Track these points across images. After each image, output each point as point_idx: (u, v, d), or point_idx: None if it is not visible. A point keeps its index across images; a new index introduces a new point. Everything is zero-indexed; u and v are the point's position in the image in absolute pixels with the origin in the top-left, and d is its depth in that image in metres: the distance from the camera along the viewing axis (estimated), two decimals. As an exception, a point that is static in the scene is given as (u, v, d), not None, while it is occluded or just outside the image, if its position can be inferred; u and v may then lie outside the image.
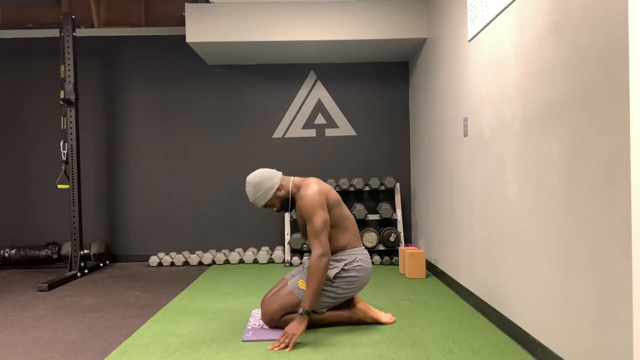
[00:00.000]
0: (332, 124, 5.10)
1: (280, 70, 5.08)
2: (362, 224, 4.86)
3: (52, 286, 3.82)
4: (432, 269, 4.11)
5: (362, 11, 4.30)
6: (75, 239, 4.33)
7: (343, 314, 2.68)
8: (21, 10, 5.07)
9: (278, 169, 2.99)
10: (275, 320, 2.58)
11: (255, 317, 2.86)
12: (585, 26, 1.77)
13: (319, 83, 5.09)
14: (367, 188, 4.88)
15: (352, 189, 4.83)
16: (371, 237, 4.68)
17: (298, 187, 2.64)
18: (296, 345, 2.36)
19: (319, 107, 5.09)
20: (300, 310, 2.40)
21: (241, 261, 4.87)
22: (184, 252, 4.94)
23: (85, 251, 4.57)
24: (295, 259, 4.69)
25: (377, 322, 2.71)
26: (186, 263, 4.89)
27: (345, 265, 2.59)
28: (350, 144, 5.10)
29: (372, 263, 4.54)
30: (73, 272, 4.27)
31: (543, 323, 2.14)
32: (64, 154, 4.35)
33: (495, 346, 2.34)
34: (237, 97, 5.08)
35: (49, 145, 5.00)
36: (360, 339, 2.47)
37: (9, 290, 3.82)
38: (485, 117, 2.82)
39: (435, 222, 4.04)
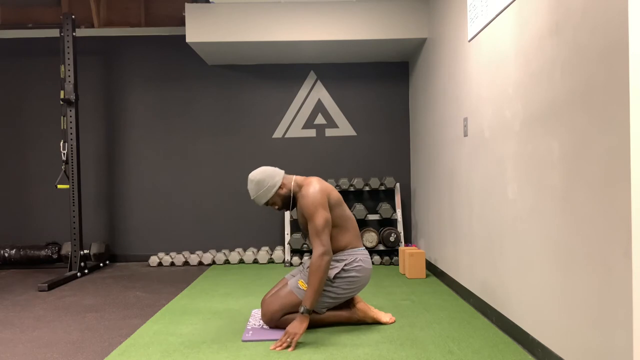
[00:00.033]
0: (332, 124, 5.10)
1: (280, 70, 5.08)
2: (362, 224, 4.86)
3: (52, 286, 3.82)
4: (432, 269, 4.11)
5: (362, 11, 4.30)
6: (75, 239, 4.33)
7: (343, 314, 2.68)
8: (21, 10, 5.07)
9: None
10: (275, 320, 2.58)
11: (255, 317, 2.86)
12: (585, 26, 1.77)
13: (319, 83, 5.09)
14: (367, 188, 4.88)
15: (352, 189, 4.83)
16: (371, 237, 4.68)
17: (300, 186, 2.64)
18: (297, 345, 2.36)
19: (319, 107, 5.09)
20: (302, 310, 2.40)
21: (241, 261, 4.87)
22: (184, 252, 4.94)
23: (85, 251, 4.57)
24: (295, 259, 4.69)
25: (377, 322, 2.71)
26: (186, 263, 4.89)
27: (345, 265, 2.59)
28: (350, 144, 5.10)
29: (372, 263, 4.54)
30: (73, 272, 4.27)
31: (543, 323, 2.14)
32: (64, 154, 4.35)
33: (495, 346, 2.34)
34: (237, 97, 5.08)
35: (49, 145, 5.00)
36: (360, 339, 2.47)
37: (9, 290, 3.82)
38: (485, 117, 2.82)
39: (435, 222, 4.04)
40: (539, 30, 2.13)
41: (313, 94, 5.09)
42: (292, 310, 2.57)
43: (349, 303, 2.72)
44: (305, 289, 2.55)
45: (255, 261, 4.85)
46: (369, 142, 5.10)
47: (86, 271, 4.43)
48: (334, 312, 2.66)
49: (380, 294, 3.41)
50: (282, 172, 2.66)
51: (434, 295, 3.38)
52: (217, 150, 5.07)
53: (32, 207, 5.05)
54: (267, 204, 2.65)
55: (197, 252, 4.91)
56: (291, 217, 4.82)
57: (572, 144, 1.87)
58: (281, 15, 4.29)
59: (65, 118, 4.35)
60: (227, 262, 4.87)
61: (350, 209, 4.81)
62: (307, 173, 4.59)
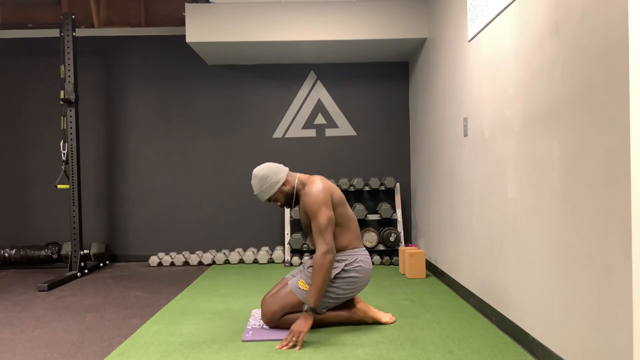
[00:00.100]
0: (332, 124, 5.10)
1: (280, 70, 5.08)
2: (362, 224, 4.86)
3: (52, 286, 3.82)
4: (432, 269, 4.11)
5: (362, 11, 4.30)
6: (75, 239, 4.33)
7: (343, 314, 2.68)
8: (21, 10, 5.07)
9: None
10: (275, 320, 2.59)
11: (255, 317, 2.86)
12: (585, 26, 1.77)
13: (319, 83, 5.09)
14: (367, 188, 4.88)
15: (352, 189, 4.83)
16: (371, 237, 4.68)
17: (303, 184, 2.64)
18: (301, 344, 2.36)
19: (319, 107, 5.09)
20: (306, 308, 2.41)
21: (241, 261, 4.87)
22: (184, 252, 4.94)
23: (85, 251, 4.57)
24: (295, 259, 4.69)
25: (377, 322, 2.71)
26: (186, 263, 4.89)
27: (345, 265, 2.59)
28: (350, 144, 5.10)
29: (372, 263, 4.54)
30: (73, 272, 4.27)
31: (543, 323, 2.14)
32: (64, 154, 4.35)
33: (495, 346, 2.34)
34: (237, 97, 5.08)
35: (49, 145, 5.00)
36: (360, 339, 2.47)
37: (9, 290, 3.82)
38: (485, 117, 2.82)
39: (435, 222, 4.04)
40: (539, 30, 2.13)
41: (313, 94, 5.09)
42: (292, 310, 2.57)
43: (349, 303, 2.72)
44: (305, 289, 2.55)
45: (255, 261, 4.85)
46: (369, 142, 5.10)
47: (86, 271, 4.43)
48: (334, 312, 2.66)
49: (380, 294, 3.41)
50: (287, 169, 2.67)
51: (434, 295, 3.38)
52: (217, 150, 5.07)
53: (32, 207, 5.05)
54: (269, 200, 2.65)
55: (197, 252, 4.91)
56: (291, 217, 4.82)
57: (572, 144, 1.87)
58: (281, 15, 4.29)
59: (65, 118, 4.35)
60: (227, 262, 4.87)
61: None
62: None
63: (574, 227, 1.86)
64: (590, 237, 1.75)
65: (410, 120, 5.04)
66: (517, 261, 2.41)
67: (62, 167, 4.35)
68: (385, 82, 5.10)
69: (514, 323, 2.44)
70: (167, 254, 4.90)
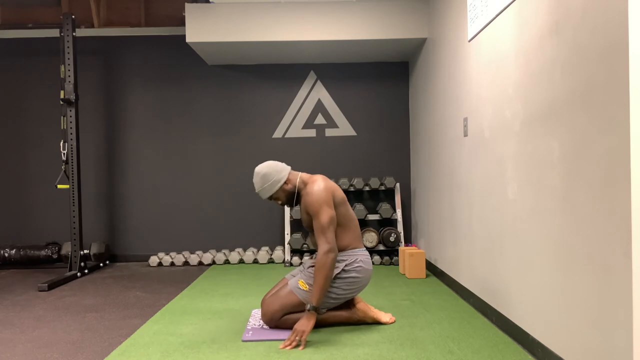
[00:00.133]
0: (332, 124, 5.10)
1: (280, 70, 5.08)
2: (362, 224, 4.86)
3: (52, 286, 3.82)
4: (432, 269, 4.11)
5: (362, 11, 4.30)
6: (75, 239, 4.33)
7: (343, 314, 2.68)
8: (21, 10, 5.07)
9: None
10: (275, 320, 2.59)
11: (255, 317, 2.86)
12: (585, 26, 1.77)
13: (319, 83, 5.09)
14: (367, 188, 4.88)
15: (352, 189, 4.83)
16: (371, 237, 4.68)
17: (305, 183, 2.65)
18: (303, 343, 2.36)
19: (319, 107, 5.09)
20: (308, 307, 2.41)
21: (241, 261, 4.87)
22: (184, 252, 4.94)
23: (85, 251, 4.57)
24: (295, 259, 4.69)
25: (377, 322, 2.71)
26: (186, 263, 4.89)
27: (345, 266, 2.59)
28: (350, 144, 5.10)
29: (372, 263, 4.54)
30: (73, 272, 4.27)
31: (543, 323, 2.14)
32: (64, 154, 4.35)
33: (495, 346, 2.34)
34: (237, 97, 5.08)
35: (49, 145, 5.00)
36: (360, 339, 2.47)
37: (9, 290, 3.82)
38: (485, 117, 2.82)
39: (435, 222, 4.04)
40: (539, 30, 2.13)
41: (313, 94, 5.09)
42: (292, 310, 2.57)
43: (349, 303, 2.72)
44: (305, 289, 2.55)
45: (255, 261, 4.85)
46: (369, 142, 5.10)
47: (86, 271, 4.43)
48: (334, 312, 2.66)
49: (380, 294, 3.41)
50: (289, 168, 2.68)
51: (434, 295, 3.38)
52: (217, 150, 5.07)
53: (32, 207, 5.05)
54: (270, 198, 2.66)
55: (197, 252, 4.91)
56: (291, 217, 4.82)
57: (572, 144, 1.87)
58: (281, 15, 4.29)
59: (65, 118, 4.35)
60: (227, 262, 4.87)
61: (350, 209, 4.80)
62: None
63: (574, 227, 1.86)
64: (590, 237, 1.75)
65: (410, 120, 5.04)
66: (517, 261, 2.41)
67: (62, 167, 4.35)
68: (385, 82, 5.10)
69: (514, 323, 2.44)
70: (167, 254, 4.90)
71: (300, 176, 2.68)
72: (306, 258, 4.64)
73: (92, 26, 4.98)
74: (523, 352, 2.26)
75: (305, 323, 2.39)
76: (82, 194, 4.65)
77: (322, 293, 2.42)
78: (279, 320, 2.58)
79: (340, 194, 2.66)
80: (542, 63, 2.11)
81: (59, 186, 4.32)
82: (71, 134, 4.34)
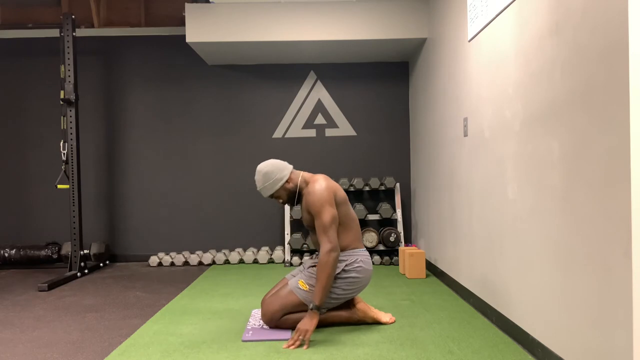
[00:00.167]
0: (332, 124, 5.10)
1: (280, 70, 5.08)
2: (362, 224, 4.86)
3: (52, 286, 3.82)
4: (432, 269, 4.11)
5: (362, 11, 4.30)
6: (75, 239, 4.33)
7: (343, 314, 2.68)
8: (21, 10, 5.07)
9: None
10: (276, 320, 2.59)
11: (255, 317, 2.86)
12: (585, 26, 1.77)
13: (319, 83, 5.09)
14: (367, 188, 4.88)
15: (352, 189, 4.83)
16: (371, 237, 4.68)
17: (306, 183, 2.66)
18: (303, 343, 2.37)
19: (319, 107, 5.09)
20: (311, 306, 2.42)
21: (241, 261, 4.87)
22: (184, 252, 4.94)
23: (85, 251, 4.57)
24: (295, 259, 4.68)
25: (377, 322, 2.71)
26: (186, 263, 4.89)
27: (346, 266, 2.59)
28: (350, 144, 5.10)
29: (372, 263, 4.54)
30: (73, 272, 4.27)
31: (543, 323, 2.14)
32: (64, 154, 4.35)
33: (495, 346, 2.34)
34: (237, 97, 5.08)
35: (49, 145, 5.00)
36: (360, 339, 2.47)
37: (9, 290, 3.82)
38: (485, 117, 2.82)
39: (435, 222, 4.04)
40: (539, 30, 2.13)
41: (313, 94, 5.09)
42: (292, 310, 2.57)
43: (349, 303, 2.72)
44: (305, 289, 2.56)
45: (255, 261, 4.85)
46: (369, 142, 5.10)
47: (86, 271, 4.43)
48: (334, 312, 2.66)
49: (380, 294, 3.41)
50: (291, 166, 2.69)
51: (434, 295, 3.38)
52: (217, 150, 5.07)
53: (32, 207, 5.05)
54: (271, 196, 2.67)
55: (197, 252, 4.91)
56: (291, 217, 4.82)
57: (572, 144, 1.87)
58: (281, 15, 4.29)
59: (65, 118, 4.35)
60: (227, 262, 4.87)
61: (350, 209, 4.80)
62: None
63: (574, 227, 1.86)
64: (590, 237, 1.75)
65: (410, 120, 5.04)
66: (517, 261, 2.41)
67: (62, 167, 4.35)
68: (385, 82, 5.10)
69: (514, 323, 2.44)
70: (167, 254, 4.90)
71: (302, 175, 2.68)
72: (306, 258, 4.64)
73: (92, 26, 4.98)
74: (523, 352, 2.26)
75: (308, 322, 2.39)
76: (82, 194, 4.65)
77: (324, 292, 2.43)
78: (279, 320, 2.58)
79: (342, 194, 2.66)
80: (542, 63, 2.11)
81: (59, 186, 4.32)
82: (71, 134, 4.34)
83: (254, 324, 2.72)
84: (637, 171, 1.51)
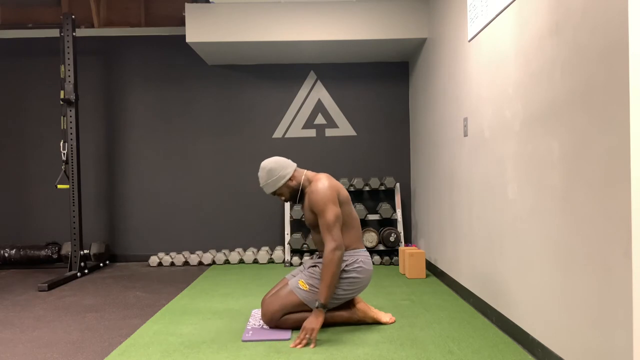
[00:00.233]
0: (332, 124, 5.10)
1: (280, 70, 5.08)
2: (362, 224, 4.86)
3: (52, 286, 3.82)
4: (432, 269, 4.11)
5: (362, 11, 4.30)
6: (75, 239, 4.33)
7: (343, 314, 2.68)
8: (21, 10, 5.07)
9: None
10: (276, 320, 2.59)
11: (255, 317, 2.86)
12: (585, 26, 1.77)
13: (319, 83, 5.09)
14: (367, 188, 4.88)
15: (352, 189, 4.83)
16: (371, 237, 4.68)
17: (309, 181, 2.67)
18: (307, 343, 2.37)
19: (319, 107, 5.09)
20: (317, 304, 2.42)
21: (241, 261, 4.87)
22: (184, 252, 4.94)
23: (85, 251, 4.57)
24: (295, 259, 4.68)
25: (377, 322, 2.71)
26: (186, 263, 4.89)
27: (346, 266, 2.59)
28: (350, 144, 5.10)
29: (372, 263, 4.54)
30: (73, 272, 4.27)
31: (543, 323, 2.14)
32: (64, 154, 4.35)
33: (495, 346, 2.34)
34: (237, 97, 5.08)
35: (49, 145, 5.00)
36: (360, 339, 2.47)
37: (9, 290, 3.82)
38: (485, 117, 2.82)
39: (435, 222, 4.04)
40: (539, 30, 2.13)
41: (313, 94, 5.09)
42: (292, 310, 2.57)
43: (349, 303, 2.72)
44: (305, 288, 2.56)
45: (255, 261, 4.85)
46: (369, 142, 5.10)
47: (86, 271, 4.43)
48: (334, 312, 2.66)
49: (380, 294, 3.41)
50: (295, 164, 2.70)
51: (434, 295, 3.38)
52: (217, 150, 5.07)
53: (32, 207, 5.05)
54: (274, 193, 2.68)
55: (197, 252, 4.91)
56: (291, 217, 4.82)
57: (572, 144, 1.87)
58: (281, 15, 4.29)
59: (65, 118, 4.35)
60: (227, 262, 4.87)
61: (350, 209, 4.81)
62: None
63: (574, 227, 1.86)
64: (590, 237, 1.75)
65: (410, 120, 5.04)
66: (517, 261, 2.41)
67: (62, 167, 4.35)
68: (385, 82, 5.10)
69: (514, 323, 2.44)
70: (167, 254, 4.90)
71: (305, 174, 2.69)
72: (306, 258, 4.64)
73: (92, 26, 4.98)
74: (523, 352, 2.26)
75: (314, 321, 2.39)
76: (82, 194, 4.65)
77: (330, 290, 2.43)
78: (279, 320, 2.58)
79: (345, 193, 2.67)
80: (542, 63, 2.11)
81: (59, 186, 4.32)
82: (71, 134, 4.34)
83: (254, 324, 2.72)
84: (637, 171, 1.51)
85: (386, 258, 4.61)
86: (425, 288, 3.60)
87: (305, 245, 4.70)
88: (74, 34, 4.33)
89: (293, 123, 5.09)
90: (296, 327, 2.56)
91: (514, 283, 2.46)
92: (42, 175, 5.01)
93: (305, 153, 5.06)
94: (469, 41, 3.07)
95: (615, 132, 1.59)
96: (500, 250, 2.63)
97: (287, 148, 5.06)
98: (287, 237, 4.79)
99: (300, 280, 2.60)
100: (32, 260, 4.73)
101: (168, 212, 5.05)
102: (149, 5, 5.09)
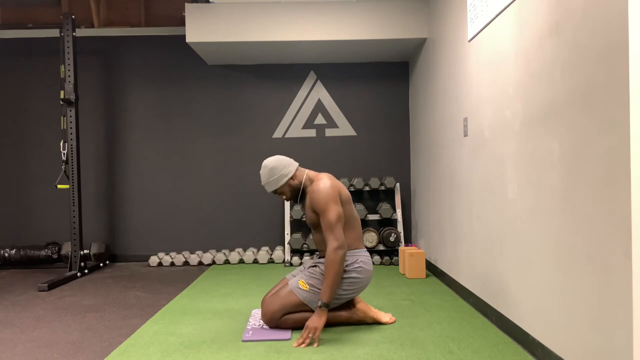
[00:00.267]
0: (332, 124, 5.10)
1: (280, 70, 5.08)
2: (362, 224, 4.86)
3: (52, 286, 3.82)
4: (432, 269, 4.11)
5: (362, 11, 4.30)
6: (75, 239, 4.33)
7: (343, 314, 2.68)
8: (21, 10, 5.07)
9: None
10: (276, 320, 2.59)
11: (255, 317, 2.86)
12: (585, 26, 1.77)
13: (319, 83, 5.09)
14: (367, 188, 4.88)
15: (352, 189, 4.83)
16: (371, 237, 4.68)
17: (311, 181, 2.67)
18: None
19: (319, 107, 5.09)
20: (320, 304, 2.42)
21: (241, 261, 4.87)
22: (184, 252, 4.94)
23: (85, 251, 4.57)
24: (295, 259, 4.68)
25: (377, 322, 2.71)
26: (186, 263, 4.89)
27: (346, 266, 2.59)
28: (350, 144, 5.10)
29: (372, 263, 4.53)
30: (73, 272, 4.27)
31: (543, 323, 2.14)
32: (64, 154, 4.35)
33: (495, 346, 2.34)
34: (237, 97, 5.08)
35: (49, 145, 5.00)
36: (360, 339, 2.47)
37: (9, 290, 3.82)
38: (485, 117, 2.82)
39: (435, 222, 4.04)
40: (539, 30, 2.13)
41: (313, 94, 5.09)
42: (292, 310, 2.57)
43: (349, 303, 2.72)
44: (305, 288, 2.56)
45: (255, 261, 4.85)
46: (369, 142, 5.10)
47: (86, 271, 4.43)
48: (334, 312, 2.66)
49: (380, 294, 3.41)
50: (297, 164, 2.70)
51: (434, 295, 3.38)
52: (217, 150, 5.07)
53: (32, 207, 5.05)
54: (275, 192, 2.68)
55: (197, 252, 4.91)
56: (291, 217, 4.82)
57: (572, 144, 1.87)
58: (281, 15, 4.29)
59: (65, 118, 4.35)
60: (227, 262, 4.87)
61: (350, 209, 4.81)
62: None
63: (574, 227, 1.86)
64: (590, 237, 1.75)
65: (410, 120, 5.04)
66: (517, 261, 2.41)
67: (62, 167, 4.35)
68: (385, 82, 5.10)
69: (514, 323, 2.44)
70: (167, 254, 4.90)
71: (307, 173, 2.70)
72: (306, 258, 4.65)
73: (92, 26, 4.98)
74: (523, 352, 2.26)
75: (317, 320, 2.40)
76: (82, 194, 4.65)
77: (332, 289, 2.43)
78: (279, 320, 2.58)
79: (346, 193, 2.68)
80: (542, 63, 2.11)
81: (59, 186, 4.32)
82: (71, 134, 4.34)
83: (254, 324, 2.72)
84: (637, 171, 1.51)
85: (386, 258, 4.61)
86: (425, 288, 3.60)
87: (305, 245, 4.70)
88: (74, 34, 4.33)
89: (293, 123, 5.09)
90: (296, 327, 2.56)
91: (514, 283, 2.46)
92: (42, 175, 5.01)
93: (305, 153, 5.06)
94: (469, 41, 3.07)
95: (615, 132, 1.59)
96: (500, 250, 2.63)
97: (287, 148, 5.06)
98: (287, 237, 4.79)
99: (300, 280, 2.60)
100: (32, 260, 4.73)
101: (168, 212, 5.05)
102: (149, 5, 5.09)
